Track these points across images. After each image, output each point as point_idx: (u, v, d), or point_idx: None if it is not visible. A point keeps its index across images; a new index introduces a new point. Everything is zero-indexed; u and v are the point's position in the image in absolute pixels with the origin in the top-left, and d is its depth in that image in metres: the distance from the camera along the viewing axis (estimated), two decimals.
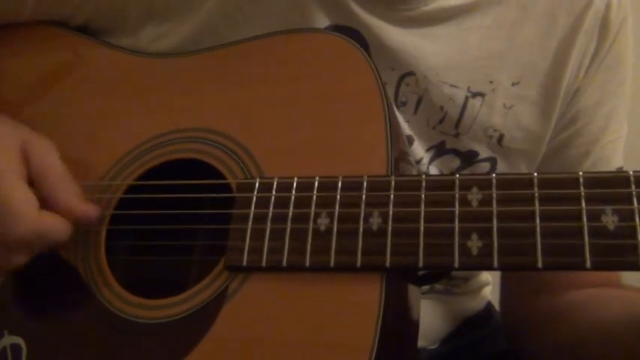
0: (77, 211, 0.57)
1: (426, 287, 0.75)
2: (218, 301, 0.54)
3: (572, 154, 0.71)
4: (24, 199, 0.55)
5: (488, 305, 0.86)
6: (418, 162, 0.68)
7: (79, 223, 0.58)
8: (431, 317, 0.76)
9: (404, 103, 0.68)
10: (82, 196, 0.58)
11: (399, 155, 0.56)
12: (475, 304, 0.84)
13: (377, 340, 0.49)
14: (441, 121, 0.68)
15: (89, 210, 0.58)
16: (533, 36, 0.68)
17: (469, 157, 0.69)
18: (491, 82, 0.68)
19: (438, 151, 0.69)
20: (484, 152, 0.69)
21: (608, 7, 0.69)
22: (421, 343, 0.73)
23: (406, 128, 0.68)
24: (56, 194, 0.57)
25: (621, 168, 0.73)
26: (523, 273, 0.72)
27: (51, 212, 0.56)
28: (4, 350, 0.59)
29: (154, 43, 0.67)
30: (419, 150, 0.69)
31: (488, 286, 0.86)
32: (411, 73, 0.66)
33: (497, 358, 0.79)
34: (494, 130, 0.68)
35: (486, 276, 0.86)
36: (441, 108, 0.67)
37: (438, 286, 0.76)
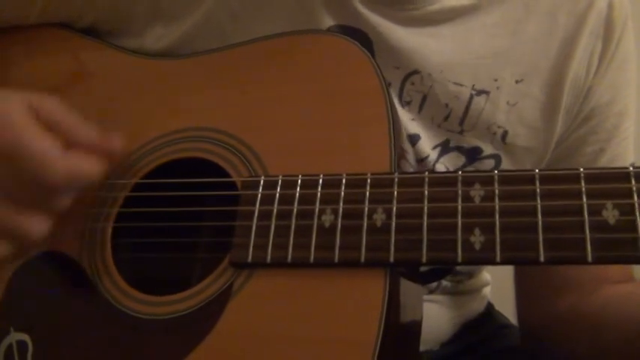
0: (102, 143, 0.56)
1: (433, 284, 0.75)
2: (223, 297, 0.55)
3: (588, 151, 0.72)
4: (46, 143, 0.53)
5: (489, 306, 0.87)
6: (424, 160, 0.69)
7: (107, 156, 0.56)
8: (434, 321, 0.77)
9: (408, 103, 0.68)
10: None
11: (401, 153, 0.57)
12: (476, 306, 0.84)
13: (381, 334, 0.50)
14: (445, 119, 0.69)
15: (113, 140, 0.57)
16: (536, 34, 0.69)
17: (473, 154, 0.70)
18: (495, 79, 0.68)
19: (444, 149, 0.70)
20: (488, 149, 0.70)
21: (610, 7, 0.70)
22: (423, 346, 0.73)
23: (412, 127, 0.68)
24: (76, 133, 0.56)
25: (633, 164, 0.74)
26: (544, 272, 0.73)
27: (76, 152, 0.55)
28: (10, 347, 0.59)
29: (159, 41, 0.68)
30: (425, 148, 0.69)
31: (488, 286, 0.86)
32: (415, 72, 0.67)
33: (498, 357, 0.79)
34: (498, 127, 0.69)
35: (486, 276, 0.86)
36: (446, 105, 0.68)
37: (445, 282, 0.76)
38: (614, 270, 0.71)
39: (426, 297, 0.74)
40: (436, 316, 0.77)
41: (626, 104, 0.73)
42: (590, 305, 0.69)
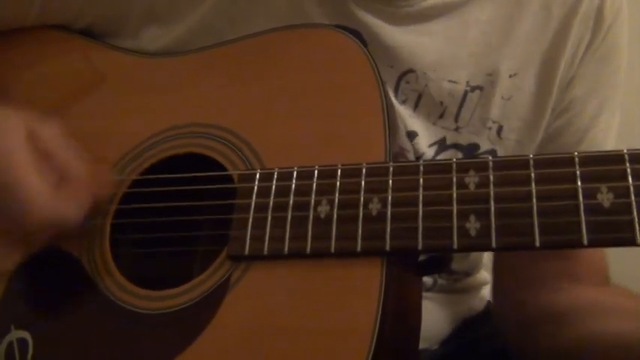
0: (92, 173, 0.58)
1: (429, 282, 0.75)
2: (221, 290, 0.55)
3: (564, 142, 0.71)
4: (36, 186, 0.55)
5: (488, 305, 0.86)
6: (420, 157, 0.69)
7: (99, 192, 0.59)
8: (433, 319, 0.76)
9: (404, 102, 0.68)
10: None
11: (399, 151, 0.57)
12: (475, 305, 0.84)
13: (378, 323, 0.49)
14: (441, 116, 0.69)
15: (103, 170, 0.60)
16: (530, 28, 0.68)
17: (470, 151, 0.69)
18: (489, 74, 0.68)
19: (440, 147, 0.70)
20: (485, 144, 0.70)
21: None
22: (422, 344, 0.73)
23: (410, 123, 0.68)
24: (68, 168, 0.57)
25: None
26: (512, 265, 0.72)
27: (64, 195, 0.56)
28: (10, 345, 0.60)
29: (154, 42, 0.69)
30: (422, 145, 0.69)
31: (487, 285, 0.86)
32: (410, 71, 0.67)
33: (497, 357, 0.79)
34: (493, 122, 0.69)
35: (485, 275, 0.85)
36: (441, 103, 0.68)
37: (440, 281, 0.76)
38: (584, 266, 0.69)
39: (423, 294, 0.74)
40: (434, 314, 0.77)
41: (607, 96, 0.72)
42: (559, 304, 0.68)
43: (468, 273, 0.80)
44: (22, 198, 0.54)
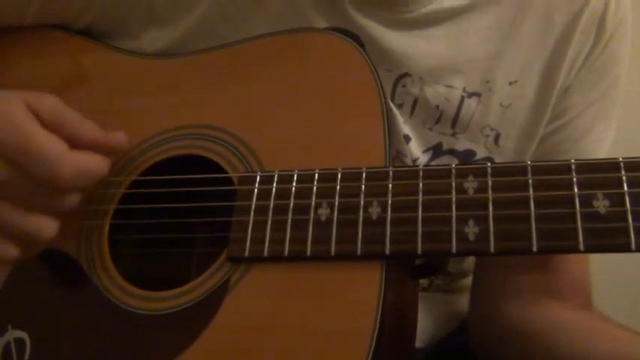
0: (107, 141, 0.58)
1: (426, 282, 0.76)
2: (221, 291, 0.55)
3: (551, 148, 0.71)
4: (56, 145, 0.54)
5: None
6: (414, 162, 0.69)
7: (111, 152, 0.59)
8: (430, 319, 0.77)
9: (400, 105, 0.69)
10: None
11: (396, 155, 0.57)
12: None
13: (377, 325, 0.50)
14: (437, 121, 0.69)
15: (117, 137, 0.59)
16: (531, 35, 0.68)
17: (466, 157, 0.70)
18: (487, 81, 0.68)
19: (436, 152, 0.70)
20: (481, 152, 0.70)
21: (606, 6, 0.68)
22: (419, 344, 0.73)
23: (405, 128, 0.69)
24: (80, 132, 0.57)
25: None
26: (490, 275, 0.72)
27: (81, 150, 0.56)
28: (8, 345, 0.60)
29: (155, 43, 0.69)
30: (416, 150, 0.69)
31: None
32: (407, 75, 0.68)
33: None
34: (491, 130, 0.69)
35: None
36: (437, 107, 0.68)
37: (437, 282, 0.76)
38: (566, 283, 0.69)
39: (420, 294, 0.75)
40: (431, 313, 0.77)
41: (605, 108, 0.71)
42: (535, 321, 0.67)
43: (465, 274, 0.81)
44: (42, 158, 0.53)
